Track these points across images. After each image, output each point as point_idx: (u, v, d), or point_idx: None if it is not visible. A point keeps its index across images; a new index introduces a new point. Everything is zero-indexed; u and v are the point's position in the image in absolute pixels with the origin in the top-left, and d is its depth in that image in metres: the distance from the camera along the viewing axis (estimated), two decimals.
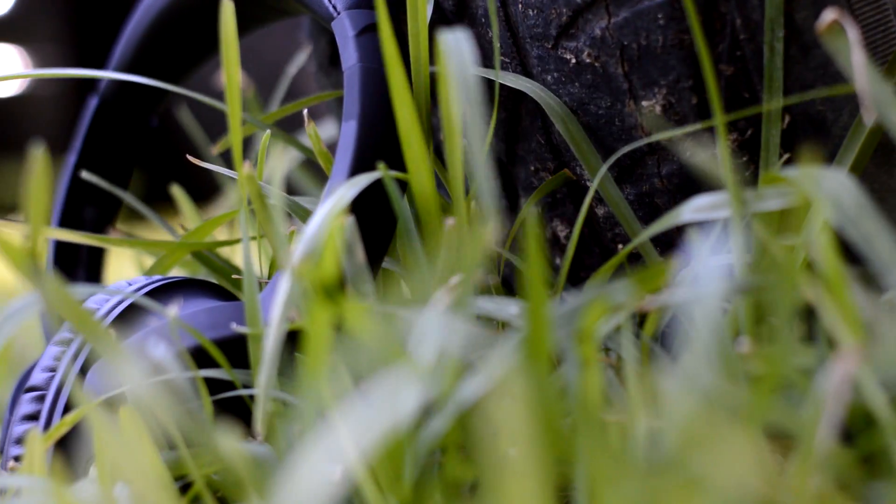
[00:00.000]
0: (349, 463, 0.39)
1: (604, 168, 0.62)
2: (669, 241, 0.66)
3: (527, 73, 0.66)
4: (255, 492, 0.56)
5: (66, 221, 0.78)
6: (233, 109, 0.61)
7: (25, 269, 0.50)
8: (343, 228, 0.50)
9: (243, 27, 0.74)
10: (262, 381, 0.55)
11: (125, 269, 0.89)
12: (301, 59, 0.84)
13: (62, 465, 0.62)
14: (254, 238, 0.73)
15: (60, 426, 0.60)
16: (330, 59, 0.77)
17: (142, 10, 0.76)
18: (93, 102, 0.78)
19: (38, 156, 0.49)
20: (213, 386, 0.60)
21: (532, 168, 0.68)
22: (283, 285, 0.56)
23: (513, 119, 0.68)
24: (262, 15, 0.72)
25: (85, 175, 0.77)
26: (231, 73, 0.60)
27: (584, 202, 0.62)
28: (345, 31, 0.64)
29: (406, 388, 0.41)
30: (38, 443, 0.58)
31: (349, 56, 0.64)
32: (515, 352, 0.47)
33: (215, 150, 0.77)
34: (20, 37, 2.58)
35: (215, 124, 0.93)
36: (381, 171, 0.60)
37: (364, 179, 0.60)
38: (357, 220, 0.59)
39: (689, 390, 0.38)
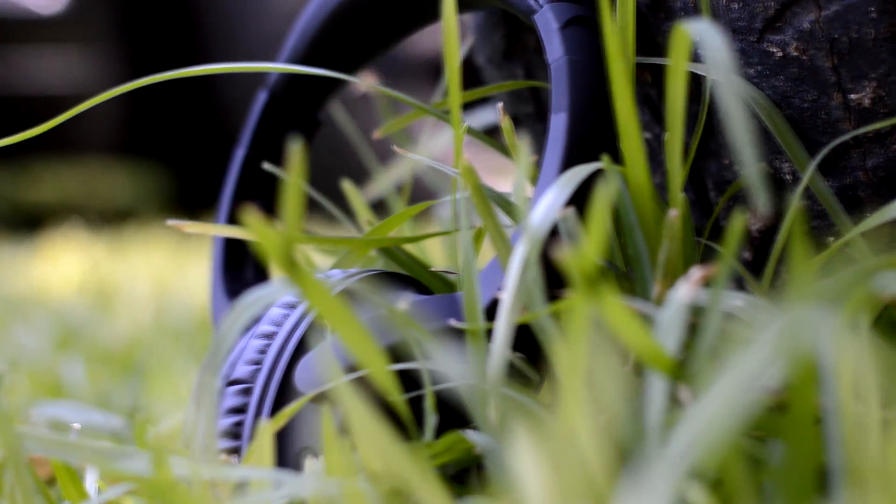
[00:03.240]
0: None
1: (815, 161, 0.63)
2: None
3: None
4: (495, 485, 0.56)
5: (233, 215, 0.78)
6: (453, 101, 0.61)
7: (281, 258, 0.50)
8: (607, 215, 0.50)
9: (430, 19, 0.75)
10: (494, 372, 0.55)
11: None
12: (462, 51, 0.84)
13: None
14: (446, 233, 0.73)
15: (281, 417, 0.60)
16: (504, 53, 0.77)
17: (315, 5, 0.76)
18: (262, 97, 0.78)
19: (297, 150, 0.49)
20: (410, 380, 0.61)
21: (725, 162, 0.68)
22: (514, 275, 0.56)
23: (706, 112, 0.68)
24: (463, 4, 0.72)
25: (244, 169, 0.78)
26: (452, 64, 0.60)
27: (796, 194, 0.62)
28: (549, 24, 0.64)
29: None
30: (267, 434, 0.58)
31: (555, 49, 0.64)
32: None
33: (378, 134, 0.77)
34: (73, 36, 2.59)
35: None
36: (603, 163, 0.60)
37: (586, 170, 0.60)
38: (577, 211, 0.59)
39: None
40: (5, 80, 2.61)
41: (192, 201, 2.97)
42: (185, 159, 2.96)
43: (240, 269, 0.78)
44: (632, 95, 0.60)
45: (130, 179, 3.24)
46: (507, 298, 0.56)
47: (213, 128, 2.76)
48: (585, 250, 0.51)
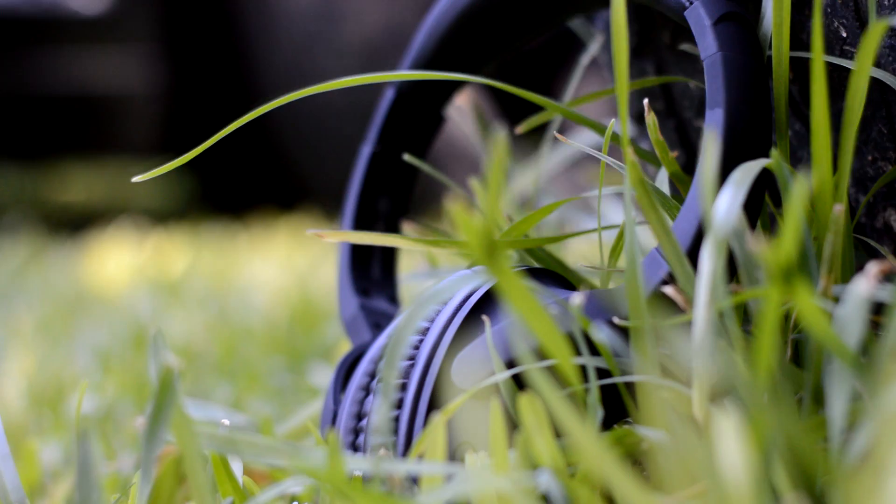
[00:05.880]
0: None
1: None
2: None
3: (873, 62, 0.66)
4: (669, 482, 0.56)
5: (361, 212, 0.78)
6: (621, 94, 0.61)
7: (483, 248, 0.50)
8: (803, 212, 0.50)
9: (567, 15, 0.75)
10: (701, 365, 0.54)
11: (414, 262, 0.90)
12: (594, 49, 0.84)
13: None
14: (593, 230, 0.73)
15: (448, 411, 0.60)
16: (634, 50, 0.77)
17: (445, 3, 0.76)
18: (389, 94, 0.78)
19: (501, 139, 0.49)
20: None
21: (869, 158, 0.68)
22: (707, 267, 0.56)
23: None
24: (589, 4, 0.73)
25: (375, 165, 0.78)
26: (620, 59, 0.61)
27: None
28: (701, 20, 0.65)
29: None
30: (440, 428, 0.58)
31: (708, 45, 0.64)
32: None
33: (520, 129, 0.77)
34: (116, 36, 2.59)
35: None
36: (773, 159, 0.60)
37: (757, 166, 0.60)
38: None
39: None
40: (48, 80, 2.61)
41: (219, 202, 2.97)
42: (212, 161, 2.96)
43: (367, 265, 0.78)
44: (827, 94, 0.60)
45: (158, 182, 3.24)
46: (704, 292, 0.55)
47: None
48: (783, 244, 0.51)
